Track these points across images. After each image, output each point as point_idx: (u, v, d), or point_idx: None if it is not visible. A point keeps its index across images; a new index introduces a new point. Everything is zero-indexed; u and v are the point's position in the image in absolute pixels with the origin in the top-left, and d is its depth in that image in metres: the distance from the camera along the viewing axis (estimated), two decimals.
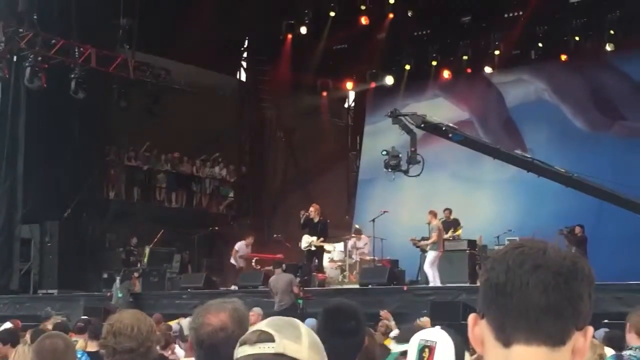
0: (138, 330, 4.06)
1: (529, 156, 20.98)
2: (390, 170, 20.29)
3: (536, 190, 26.67)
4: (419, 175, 20.19)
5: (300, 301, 18.74)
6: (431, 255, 20.31)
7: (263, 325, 2.27)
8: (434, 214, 21.09)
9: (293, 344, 2.23)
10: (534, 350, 1.80)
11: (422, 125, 19.96)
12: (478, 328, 1.87)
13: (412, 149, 19.93)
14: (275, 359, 2.21)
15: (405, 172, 20.27)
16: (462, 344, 4.28)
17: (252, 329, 2.29)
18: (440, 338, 4.16)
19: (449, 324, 4.76)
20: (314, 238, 22.54)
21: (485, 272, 1.86)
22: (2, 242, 25.15)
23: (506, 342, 1.81)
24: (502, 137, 30.48)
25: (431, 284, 19.95)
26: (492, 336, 1.84)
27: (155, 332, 4.18)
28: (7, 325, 14.87)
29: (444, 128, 20.16)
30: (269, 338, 2.23)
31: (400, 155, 20.20)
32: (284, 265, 20.20)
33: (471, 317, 1.89)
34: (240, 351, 2.25)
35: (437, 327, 4.38)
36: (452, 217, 23.12)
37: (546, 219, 25.45)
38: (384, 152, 20.62)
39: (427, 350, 4.07)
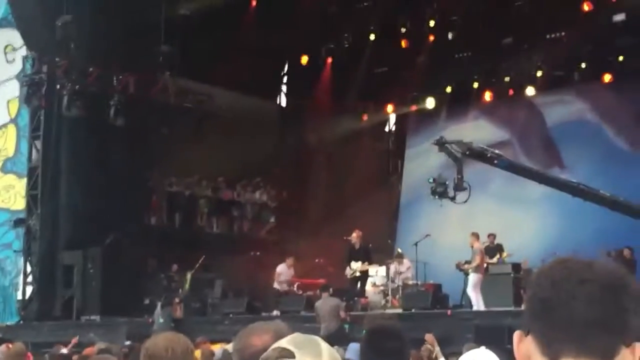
0: (172, 352, 4.07)
1: (574, 181, 20.86)
2: (437, 197, 20.28)
3: (578, 208, 26.49)
4: (465, 202, 20.11)
5: (346, 326, 18.55)
6: (473, 278, 20.13)
7: (284, 342, 2.29)
8: (476, 236, 20.94)
9: None
10: None
11: (467, 152, 19.99)
12: (524, 345, 1.84)
13: (459, 176, 19.95)
14: None
15: (452, 199, 20.25)
16: None
17: (272, 346, 2.29)
18: (487, 359, 4.09)
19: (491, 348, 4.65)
20: (359, 264, 22.41)
21: (531, 287, 1.85)
22: (45, 268, 25.31)
23: (553, 357, 1.78)
24: (541, 157, 30.30)
25: (475, 308, 19.73)
26: (539, 351, 1.80)
27: (192, 352, 4.24)
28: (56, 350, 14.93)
29: (489, 155, 20.18)
30: (290, 355, 2.24)
31: (447, 183, 20.20)
32: (330, 290, 20.05)
33: (516, 334, 1.86)
34: None
35: (483, 347, 4.28)
36: (495, 242, 22.88)
37: (590, 239, 25.14)
38: (431, 180, 20.60)
39: None
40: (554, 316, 1.78)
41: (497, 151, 20.87)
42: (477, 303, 19.83)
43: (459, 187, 19.92)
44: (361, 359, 4.26)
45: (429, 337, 14.06)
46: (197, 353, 14.24)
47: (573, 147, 30.03)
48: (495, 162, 20.34)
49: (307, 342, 2.28)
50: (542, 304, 1.80)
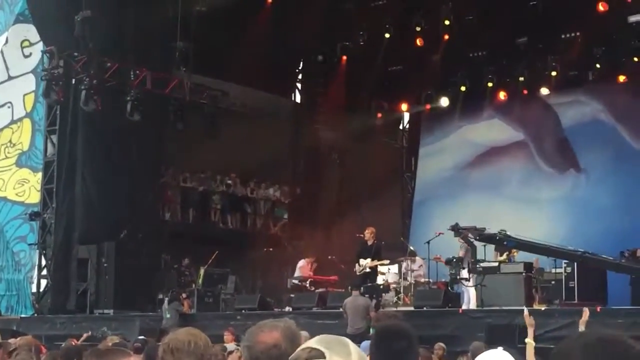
0: (195, 345, 4.13)
1: (580, 250, 21.22)
2: (452, 288, 20.73)
3: (588, 210, 26.51)
4: (479, 284, 20.34)
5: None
6: (465, 274, 20.30)
7: (313, 342, 2.32)
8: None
9: None
10: None
11: (478, 237, 20.52)
12: None
13: (472, 260, 20.34)
14: None
15: (465, 281, 20.56)
16: None
17: (302, 346, 2.28)
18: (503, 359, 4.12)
19: (505, 348, 4.70)
20: (367, 260, 22.43)
21: None
22: (60, 262, 25.42)
23: None
24: (557, 159, 30.30)
25: (471, 304, 19.88)
26: None
27: (212, 346, 4.24)
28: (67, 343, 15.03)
29: (498, 237, 20.67)
30: (320, 355, 2.27)
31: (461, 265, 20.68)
32: (361, 288, 20.02)
33: None
34: None
35: (500, 349, 4.33)
36: None
37: (599, 239, 25.17)
38: (436, 255, 21.11)
39: None
40: None
41: (505, 233, 21.28)
42: (470, 299, 20.04)
43: (473, 270, 20.29)
44: (370, 359, 4.31)
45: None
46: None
47: (588, 148, 30.00)
48: (505, 243, 20.87)
49: (337, 343, 2.31)
50: None
